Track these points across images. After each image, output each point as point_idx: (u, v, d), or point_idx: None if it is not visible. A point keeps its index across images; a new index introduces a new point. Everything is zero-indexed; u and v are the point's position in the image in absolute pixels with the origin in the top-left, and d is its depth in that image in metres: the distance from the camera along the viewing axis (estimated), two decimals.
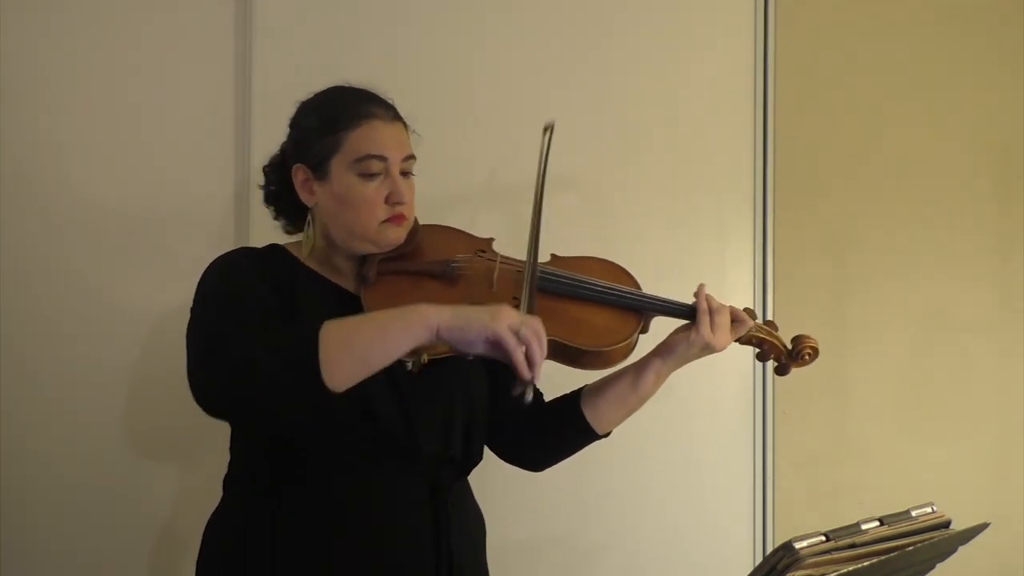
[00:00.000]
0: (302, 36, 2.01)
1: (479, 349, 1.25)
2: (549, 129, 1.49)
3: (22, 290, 1.93)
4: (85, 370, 1.94)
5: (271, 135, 1.86)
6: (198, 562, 1.48)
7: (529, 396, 1.28)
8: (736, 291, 2.12)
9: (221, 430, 1.47)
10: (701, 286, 1.54)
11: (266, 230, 1.93)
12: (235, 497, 1.47)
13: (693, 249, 2.13)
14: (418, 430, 1.42)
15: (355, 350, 1.23)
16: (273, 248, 1.51)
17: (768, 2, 2.18)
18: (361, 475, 1.40)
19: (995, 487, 2.27)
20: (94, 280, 1.95)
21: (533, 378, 1.26)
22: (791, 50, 2.20)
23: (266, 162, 1.57)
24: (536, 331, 1.27)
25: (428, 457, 1.44)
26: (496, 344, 1.24)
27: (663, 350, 1.55)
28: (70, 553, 1.93)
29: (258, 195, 1.95)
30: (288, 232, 1.58)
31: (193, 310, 1.39)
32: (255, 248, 1.51)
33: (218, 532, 1.47)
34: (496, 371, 1.46)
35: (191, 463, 1.97)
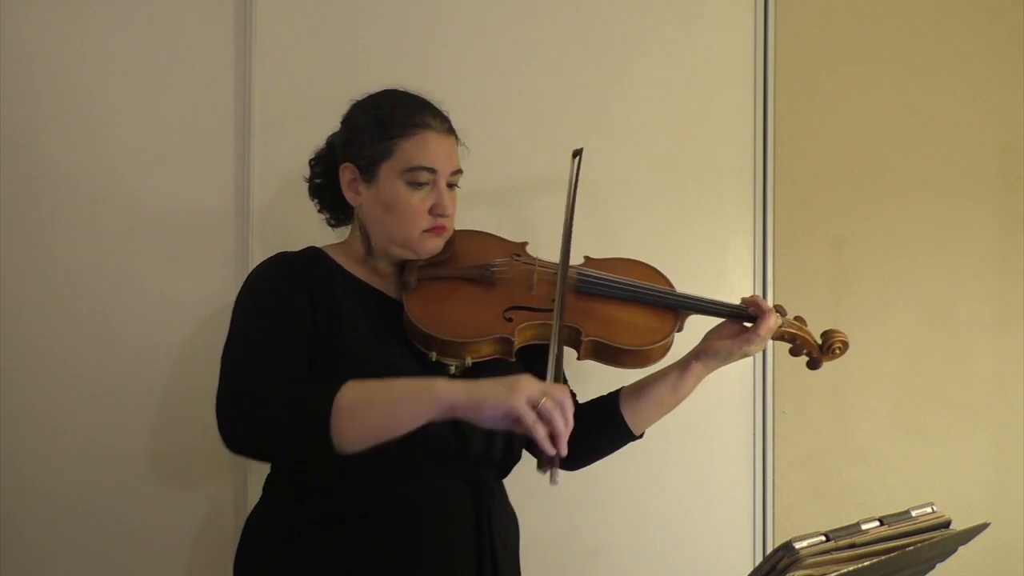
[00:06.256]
0: (302, 35, 2.01)
1: (499, 426, 1.23)
2: (578, 155, 1.50)
3: (22, 293, 1.93)
4: (85, 374, 1.94)
5: (272, 136, 1.87)
6: (236, 560, 1.48)
7: (557, 479, 1.24)
8: (736, 289, 2.12)
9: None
10: (756, 297, 1.57)
11: (268, 229, 1.94)
12: (277, 498, 1.47)
13: (693, 248, 2.13)
14: (464, 431, 1.43)
15: (366, 422, 1.25)
16: (312, 252, 1.50)
17: (768, 1, 2.18)
18: (405, 475, 1.41)
19: (995, 487, 2.27)
20: (95, 282, 1.95)
21: (558, 454, 1.22)
22: (791, 49, 2.20)
23: (312, 155, 1.58)
24: (559, 402, 1.22)
25: (472, 458, 1.46)
26: (515, 421, 1.21)
27: (704, 354, 1.57)
28: (71, 555, 1.94)
29: (259, 196, 1.96)
30: (331, 226, 1.60)
31: (229, 336, 1.39)
32: (294, 254, 1.49)
33: (259, 531, 1.47)
34: (542, 373, 1.41)
35: (208, 471, 1.98)
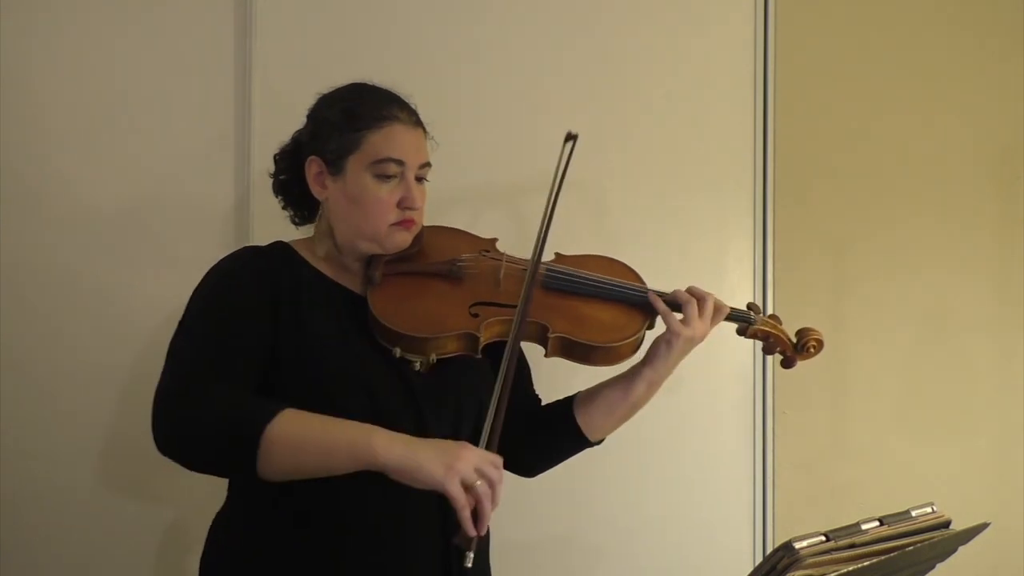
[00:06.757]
0: (302, 35, 2.01)
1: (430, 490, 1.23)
2: (572, 139, 1.49)
3: (22, 292, 1.93)
4: (84, 371, 1.94)
5: (272, 135, 1.87)
6: (202, 562, 1.47)
7: (469, 561, 1.22)
8: (736, 291, 2.12)
9: None
10: (676, 290, 1.55)
11: (267, 231, 1.94)
12: (241, 497, 1.46)
13: (693, 249, 2.13)
14: (429, 427, 1.41)
15: (296, 459, 1.24)
16: (279, 247, 1.49)
17: (768, 1, 2.18)
18: (369, 473, 1.39)
19: (995, 487, 2.27)
20: (94, 281, 1.95)
21: (478, 534, 1.22)
22: (791, 49, 2.20)
23: (277, 151, 1.56)
24: (492, 483, 1.23)
25: None
26: (446, 496, 1.21)
27: (648, 355, 1.54)
28: (71, 554, 1.94)
29: (260, 196, 1.96)
30: (295, 224, 1.58)
31: (179, 326, 1.38)
32: (260, 248, 1.49)
33: (224, 532, 1.46)
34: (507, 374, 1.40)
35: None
